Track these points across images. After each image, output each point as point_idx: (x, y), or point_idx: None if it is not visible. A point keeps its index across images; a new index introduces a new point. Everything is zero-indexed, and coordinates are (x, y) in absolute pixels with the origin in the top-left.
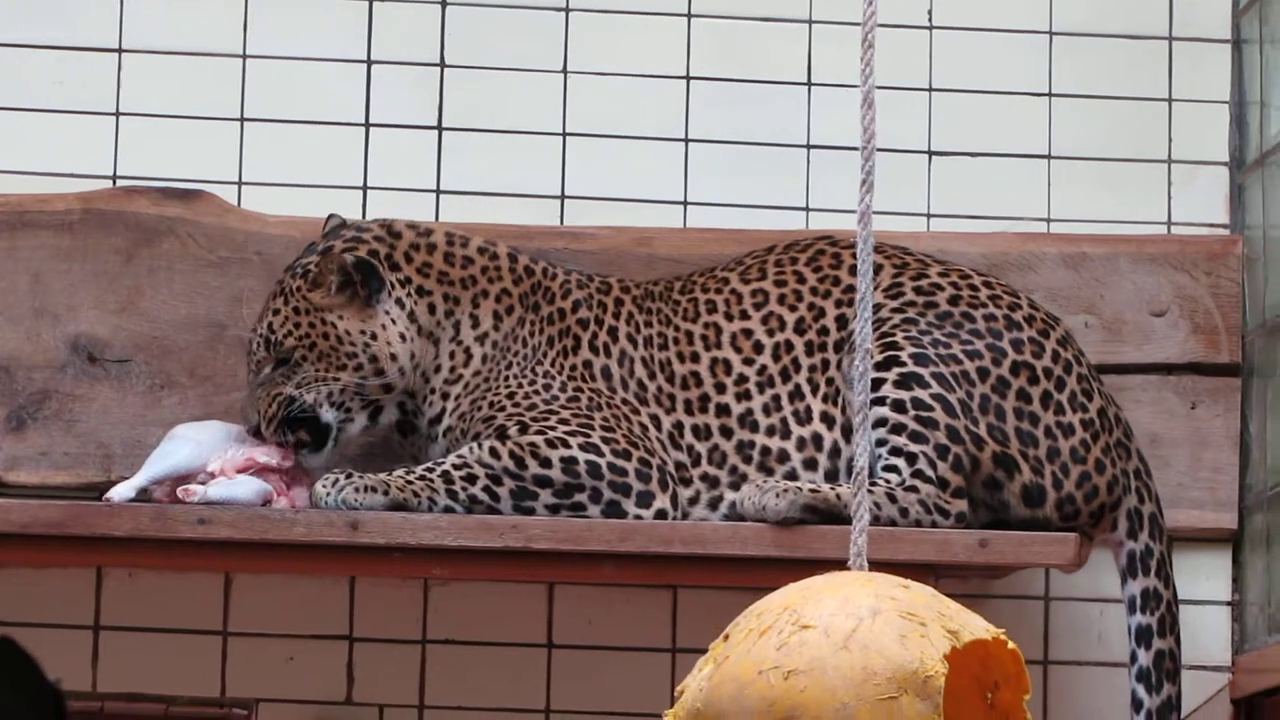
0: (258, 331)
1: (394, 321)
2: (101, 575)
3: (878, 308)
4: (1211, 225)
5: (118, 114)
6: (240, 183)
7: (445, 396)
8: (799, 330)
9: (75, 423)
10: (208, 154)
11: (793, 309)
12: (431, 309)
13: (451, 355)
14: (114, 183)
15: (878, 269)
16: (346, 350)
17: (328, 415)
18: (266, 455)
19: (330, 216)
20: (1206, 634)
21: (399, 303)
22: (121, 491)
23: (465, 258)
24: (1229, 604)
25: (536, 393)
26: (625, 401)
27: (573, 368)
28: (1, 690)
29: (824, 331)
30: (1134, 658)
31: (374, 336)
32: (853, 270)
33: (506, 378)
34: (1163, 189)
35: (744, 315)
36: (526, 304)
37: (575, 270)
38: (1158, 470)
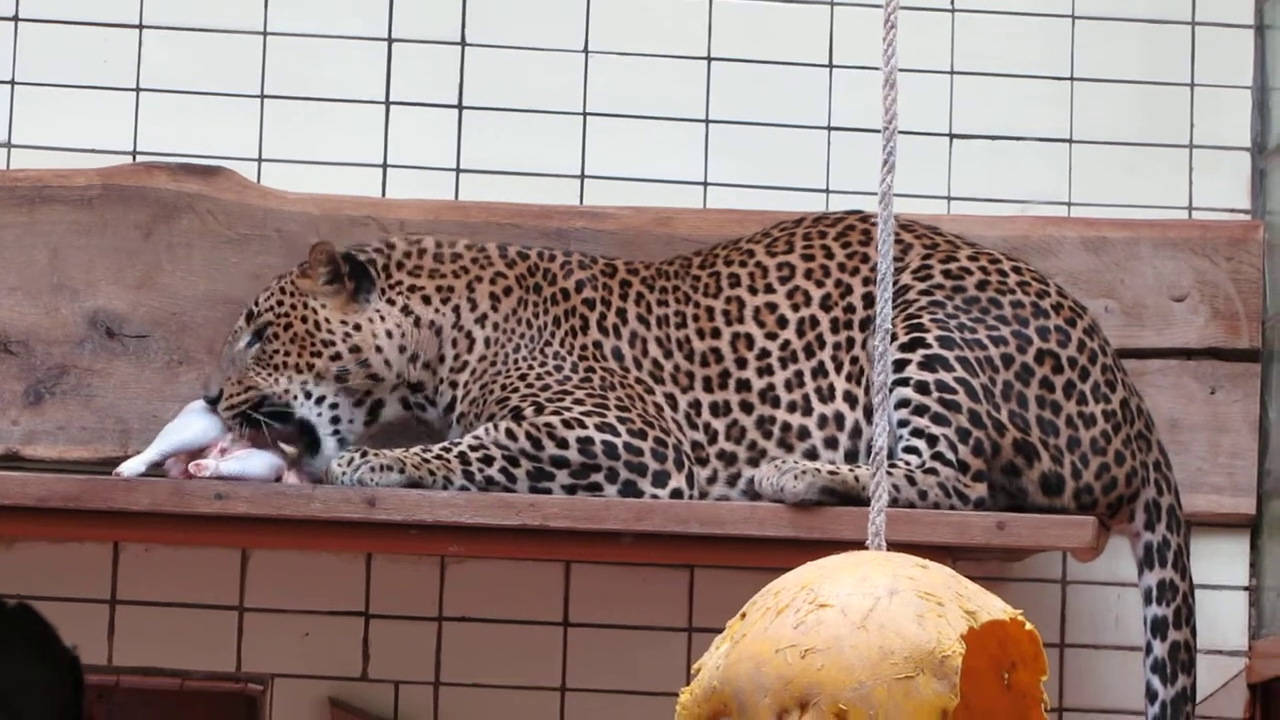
0: (246, 306)
1: (383, 318)
2: (118, 550)
3: (906, 289)
4: (1233, 210)
5: (138, 90)
6: (260, 160)
7: (454, 385)
8: (825, 307)
9: (93, 398)
10: (228, 131)
11: (819, 284)
12: (426, 300)
13: (454, 343)
14: (134, 159)
15: (907, 249)
16: (323, 337)
17: (303, 409)
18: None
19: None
20: (1223, 619)
21: (390, 301)
22: (133, 466)
23: (454, 254)
24: (1246, 589)
25: (549, 373)
26: (639, 381)
27: (583, 348)
28: (19, 657)
29: (850, 309)
30: (1149, 649)
31: (357, 328)
32: None
33: (515, 360)
34: (1184, 174)
35: (769, 289)
36: (524, 285)
37: (575, 252)
38: (1176, 455)
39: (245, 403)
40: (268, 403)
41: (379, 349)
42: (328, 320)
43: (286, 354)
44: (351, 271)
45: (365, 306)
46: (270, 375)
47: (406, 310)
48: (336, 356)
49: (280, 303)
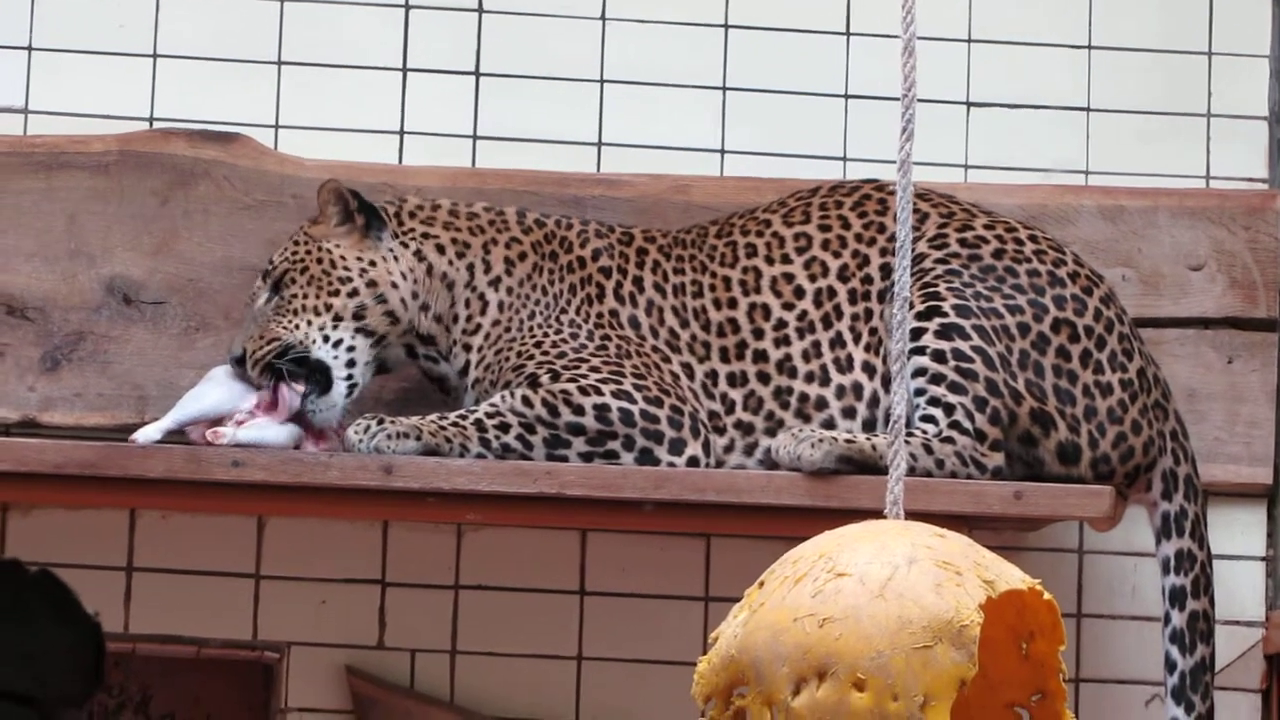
0: (261, 267)
1: (397, 259)
2: (134, 517)
3: (922, 257)
4: (1250, 180)
5: (155, 56)
6: (277, 126)
7: (468, 349)
8: (842, 277)
9: (110, 364)
10: (245, 97)
11: (836, 255)
12: (440, 249)
13: (468, 304)
14: (151, 125)
15: (924, 218)
16: (340, 274)
17: (320, 351)
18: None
19: None
20: (1240, 590)
21: (404, 244)
22: (148, 433)
23: (470, 213)
24: (1264, 559)
25: (565, 340)
26: (656, 349)
27: (599, 316)
28: (42, 621)
29: (868, 280)
30: (1167, 619)
31: (372, 264)
32: None
33: (531, 327)
34: (1202, 143)
35: (785, 259)
36: (540, 252)
37: (593, 220)
38: (1194, 425)
39: (269, 354)
40: (291, 352)
41: (395, 285)
42: (343, 258)
43: (304, 297)
44: (360, 207)
45: (379, 244)
46: (290, 322)
47: (419, 255)
48: (354, 293)
49: (295, 252)
